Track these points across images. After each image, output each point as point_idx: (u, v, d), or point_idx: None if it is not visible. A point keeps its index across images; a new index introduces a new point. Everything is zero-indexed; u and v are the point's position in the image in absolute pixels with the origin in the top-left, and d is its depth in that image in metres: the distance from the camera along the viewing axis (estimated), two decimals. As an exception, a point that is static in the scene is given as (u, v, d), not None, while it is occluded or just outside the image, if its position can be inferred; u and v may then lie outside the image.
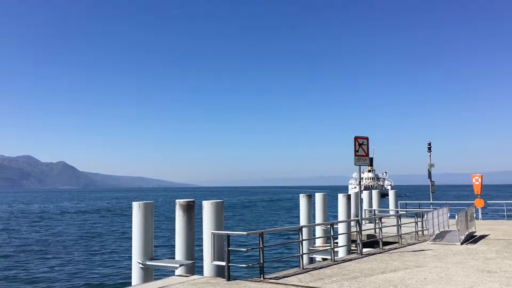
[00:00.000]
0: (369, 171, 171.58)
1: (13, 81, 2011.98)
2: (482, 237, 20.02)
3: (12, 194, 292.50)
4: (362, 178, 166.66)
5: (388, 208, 31.16)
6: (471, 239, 19.23)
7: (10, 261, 30.82)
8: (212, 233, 12.34)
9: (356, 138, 16.12)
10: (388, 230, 19.87)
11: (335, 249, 15.87)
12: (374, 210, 28.25)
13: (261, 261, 11.68)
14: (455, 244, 17.54)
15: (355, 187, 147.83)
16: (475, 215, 23.00)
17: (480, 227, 23.40)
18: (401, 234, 18.79)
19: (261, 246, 11.75)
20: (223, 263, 11.64)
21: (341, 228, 19.98)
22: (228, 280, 11.32)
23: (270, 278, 11.56)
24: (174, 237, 13.38)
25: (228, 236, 11.65)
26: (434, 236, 18.80)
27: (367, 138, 16.45)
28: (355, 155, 16.00)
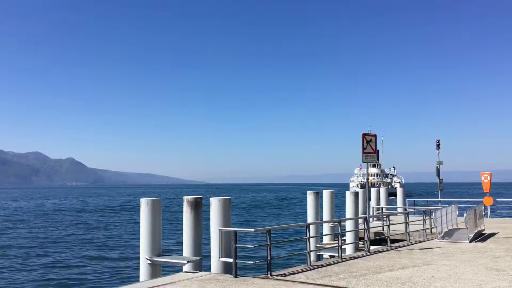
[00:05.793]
0: (374, 166, 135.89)
1: (22, 79, 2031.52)
2: (491, 235, 19.87)
3: (23, 191, 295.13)
4: (365, 174, 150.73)
5: (396, 206, 31.04)
6: (480, 237, 19.11)
7: (14, 256, 31.13)
8: (219, 229, 12.36)
9: (364, 135, 16.08)
10: (396, 227, 19.80)
11: (343, 247, 15.84)
12: (382, 207, 28.17)
13: (269, 258, 11.68)
14: (464, 242, 17.44)
15: (358, 185, 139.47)
16: (484, 213, 22.86)
17: (489, 225, 23.24)
18: (409, 231, 18.72)
19: (268, 243, 11.75)
20: (231, 260, 11.65)
21: (348, 225, 19.95)
22: (235, 276, 11.34)
23: (277, 275, 11.56)
24: (182, 234, 13.43)
25: (236, 232, 11.63)
26: (442, 234, 18.71)
27: (375, 135, 16.40)
28: (363, 152, 15.96)
